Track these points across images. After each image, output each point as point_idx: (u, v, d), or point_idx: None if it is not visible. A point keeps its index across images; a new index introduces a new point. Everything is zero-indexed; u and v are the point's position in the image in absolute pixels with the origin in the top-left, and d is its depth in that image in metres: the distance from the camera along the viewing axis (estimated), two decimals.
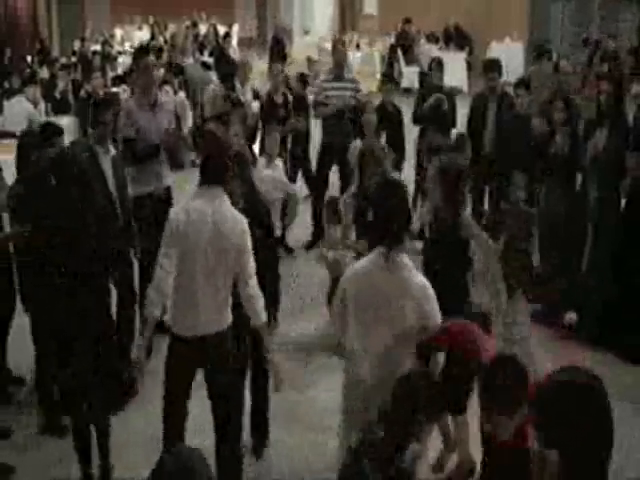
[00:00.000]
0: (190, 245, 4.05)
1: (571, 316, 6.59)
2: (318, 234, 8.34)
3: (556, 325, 6.49)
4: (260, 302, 4.16)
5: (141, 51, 7.29)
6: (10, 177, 5.76)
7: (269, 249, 4.84)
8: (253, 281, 4.15)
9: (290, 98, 9.16)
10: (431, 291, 3.83)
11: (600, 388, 2.40)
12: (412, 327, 3.79)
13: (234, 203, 4.32)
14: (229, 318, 4.22)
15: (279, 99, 8.84)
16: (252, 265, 4.14)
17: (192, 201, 4.14)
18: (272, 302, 4.75)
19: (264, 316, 4.18)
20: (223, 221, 4.06)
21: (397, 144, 8.49)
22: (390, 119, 8.68)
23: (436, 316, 3.85)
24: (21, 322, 5.72)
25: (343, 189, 8.60)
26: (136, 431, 5.20)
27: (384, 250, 3.82)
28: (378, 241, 3.88)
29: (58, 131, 5.62)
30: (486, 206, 8.33)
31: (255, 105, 9.58)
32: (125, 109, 6.49)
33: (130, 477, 4.62)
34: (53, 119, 10.88)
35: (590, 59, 14.55)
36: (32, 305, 5.32)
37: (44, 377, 5.33)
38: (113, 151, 5.92)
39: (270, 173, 7.29)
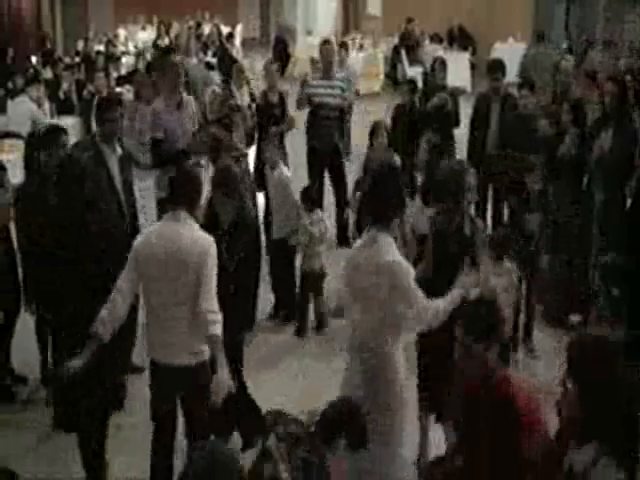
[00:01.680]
0: (150, 269, 4.07)
1: (576, 318, 6.63)
2: None
3: (562, 325, 6.53)
4: (216, 316, 3.98)
5: (165, 50, 7.25)
6: (14, 177, 5.77)
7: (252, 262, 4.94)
8: (211, 296, 4.01)
9: (286, 97, 9.04)
10: (405, 268, 3.96)
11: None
12: (387, 302, 3.93)
13: (222, 219, 4.37)
14: (206, 349, 4.10)
15: (274, 98, 8.67)
16: (212, 284, 4.03)
17: (158, 225, 4.23)
18: (247, 317, 4.95)
19: (218, 329, 3.97)
20: (180, 242, 4.03)
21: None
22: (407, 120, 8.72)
23: (414, 294, 3.93)
24: (24, 322, 5.74)
25: (336, 194, 8.59)
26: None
27: (369, 229, 4.03)
28: (367, 221, 4.10)
29: (62, 131, 5.60)
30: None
31: (253, 107, 9.54)
32: (153, 110, 6.51)
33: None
34: (57, 119, 10.92)
35: (581, 58, 14.44)
36: (39, 300, 5.31)
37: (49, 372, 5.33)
38: (120, 151, 5.71)
39: (276, 177, 7.10)
